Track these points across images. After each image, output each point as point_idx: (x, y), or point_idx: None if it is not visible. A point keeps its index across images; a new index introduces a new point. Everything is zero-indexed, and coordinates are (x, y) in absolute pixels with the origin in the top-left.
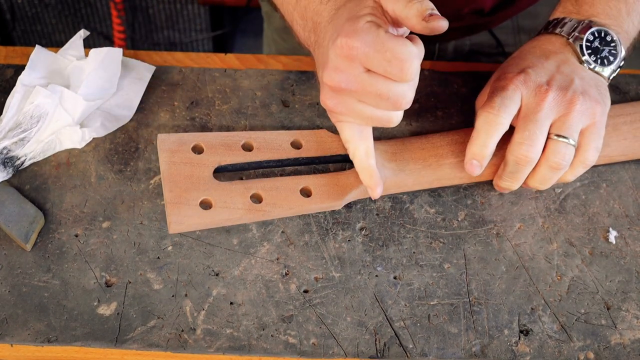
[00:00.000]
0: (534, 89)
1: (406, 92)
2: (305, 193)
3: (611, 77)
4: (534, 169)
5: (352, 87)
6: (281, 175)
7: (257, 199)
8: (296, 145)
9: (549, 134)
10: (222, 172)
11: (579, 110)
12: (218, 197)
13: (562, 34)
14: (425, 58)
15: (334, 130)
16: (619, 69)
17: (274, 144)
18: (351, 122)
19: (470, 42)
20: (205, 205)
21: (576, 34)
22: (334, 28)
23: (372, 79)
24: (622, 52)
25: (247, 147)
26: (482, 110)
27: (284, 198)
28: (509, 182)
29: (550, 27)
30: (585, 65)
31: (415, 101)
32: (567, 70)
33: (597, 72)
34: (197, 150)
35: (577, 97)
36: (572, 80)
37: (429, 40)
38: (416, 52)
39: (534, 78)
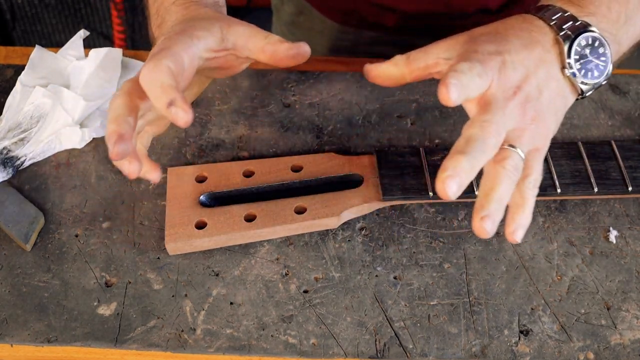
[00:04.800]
0: (504, 83)
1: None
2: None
3: (585, 95)
4: (489, 179)
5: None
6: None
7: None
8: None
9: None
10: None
11: (534, 130)
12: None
13: (555, 27)
14: None
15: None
16: (594, 90)
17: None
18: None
19: None
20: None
21: (569, 32)
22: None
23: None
24: (609, 69)
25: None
26: (453, 66)
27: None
28: (472, 163)
29: (546, 12)
30: (565, 70)
31: (414, 101)
32: (542, 75)
33: (573, 82)
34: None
35: (536, 118)
36: (541, 92)
37: (437, 37)
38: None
39: (510, 71)
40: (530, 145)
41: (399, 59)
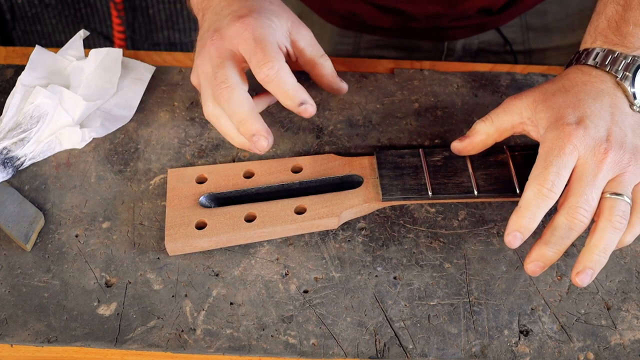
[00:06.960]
0: (592, 147)
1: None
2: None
3: None
4: (595, 234)
5: (202, 78)
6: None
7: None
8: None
9: (602, 192)
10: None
11: (632, 171)
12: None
13: (612, 72)
14: (434, 57)
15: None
16: None
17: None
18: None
19: (479, 41)
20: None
21: (627, 73)
22: (222, 15)
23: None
24: None
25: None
26: (535, 183)
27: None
28: (556, 250)
29: (597, 59)
30: (634, 107)
31: (415, 101)
32: (620, 119)
33: None
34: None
35: (632, 158)
36: (625, 133)
37: (437, 39)
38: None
39: (593, 133)
40: (633, 183)
41: (485, 128)
